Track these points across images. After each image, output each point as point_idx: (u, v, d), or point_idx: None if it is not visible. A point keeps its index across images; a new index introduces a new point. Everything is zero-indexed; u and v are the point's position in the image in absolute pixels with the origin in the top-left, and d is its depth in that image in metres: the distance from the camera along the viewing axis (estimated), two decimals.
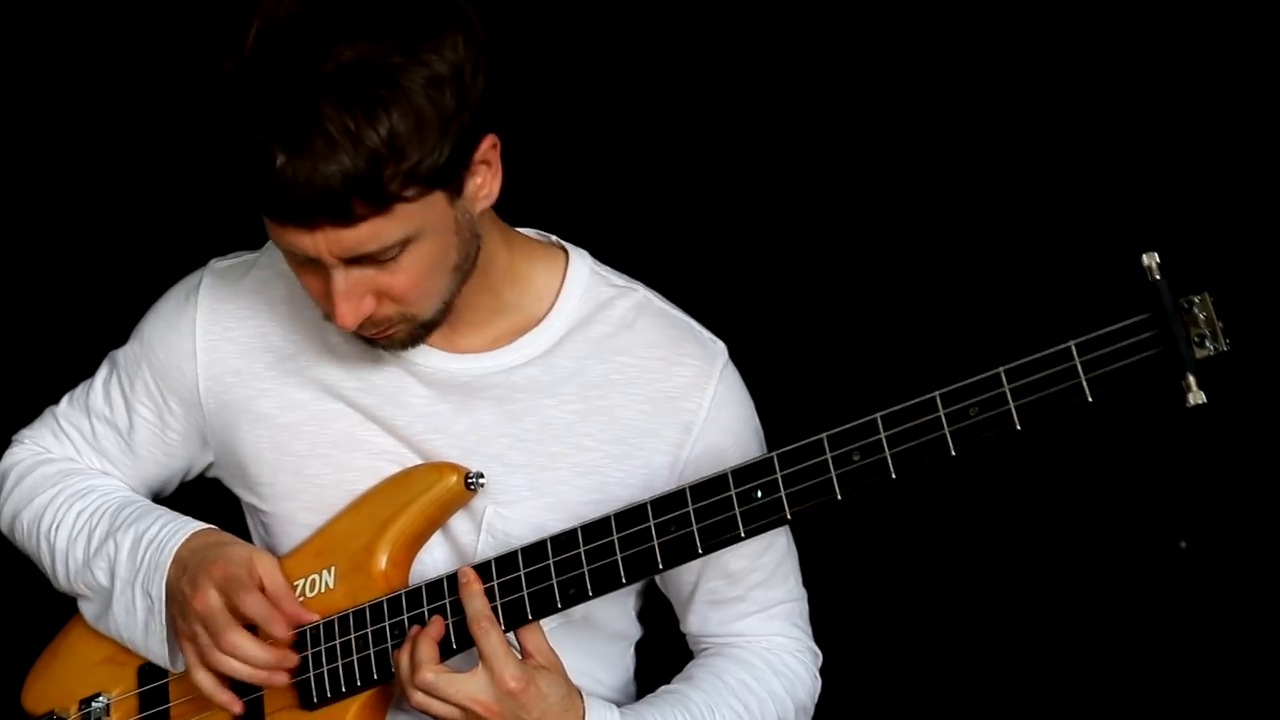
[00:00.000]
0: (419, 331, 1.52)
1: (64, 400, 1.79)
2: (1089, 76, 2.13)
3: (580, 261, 1.65)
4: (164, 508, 1.71)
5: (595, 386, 1.60)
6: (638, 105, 2.36)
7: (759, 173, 2.32)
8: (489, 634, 1.49)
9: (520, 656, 1.51)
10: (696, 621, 1.68)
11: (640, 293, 1.65)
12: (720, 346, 1.65)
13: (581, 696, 1.53)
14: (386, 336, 1.51)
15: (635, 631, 1.76)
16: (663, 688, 1.65)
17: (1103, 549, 2.11)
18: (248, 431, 1.66)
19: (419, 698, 1.50)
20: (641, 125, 2.36)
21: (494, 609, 1.51)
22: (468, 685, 1.48)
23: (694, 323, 1.66)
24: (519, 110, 1.50)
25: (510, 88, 1.50)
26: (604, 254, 1.68)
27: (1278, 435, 1.94)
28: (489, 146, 1.45)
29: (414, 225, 1.42)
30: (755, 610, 1.65)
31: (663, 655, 1.75)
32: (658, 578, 1.67)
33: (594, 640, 1.69)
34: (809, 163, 2.30)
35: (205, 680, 1.58)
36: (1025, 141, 2.17)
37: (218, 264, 1.71)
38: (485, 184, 1.47)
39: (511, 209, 1.59)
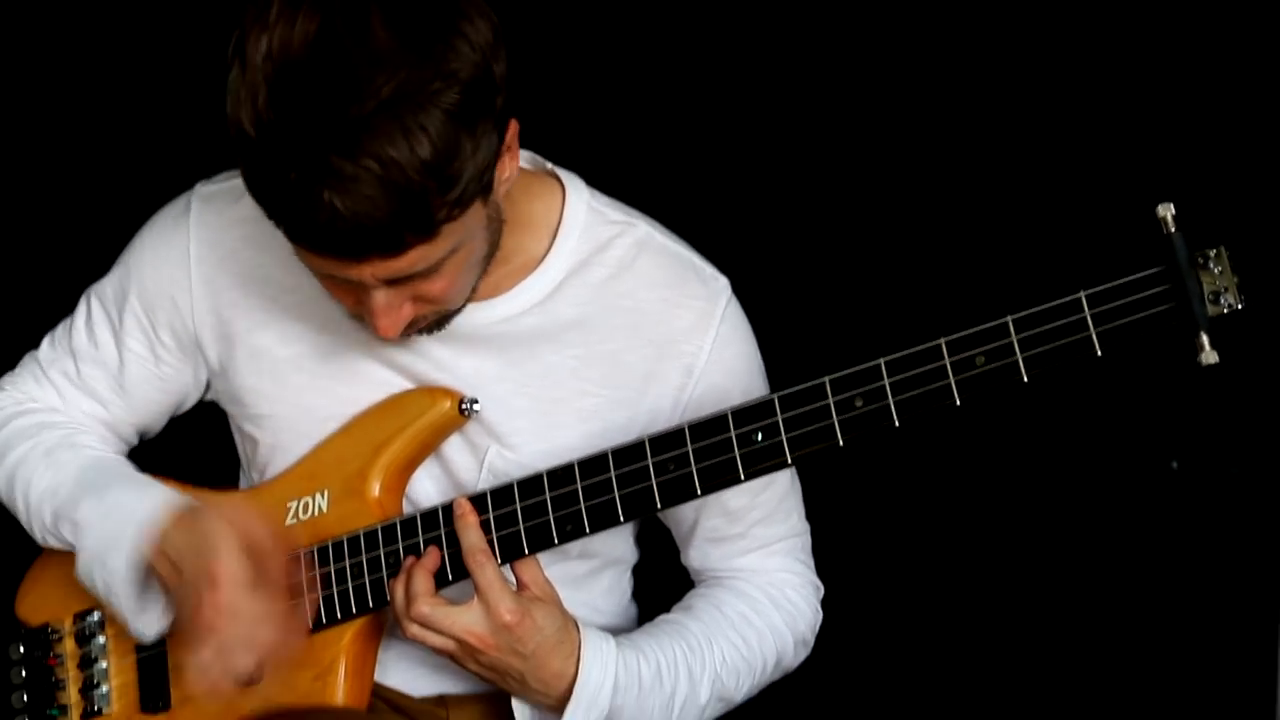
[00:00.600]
0: (445, 319, 1.51)
1: (44, 343, 1.74)
2: (1107, 24, 2.07)
3: (577, 196, 1.60)
4: (124, 468, 1.68)
5: (596, 331, 1.58)
6: (639, 23, 2.29)
7: (769, 101, 2.26)
8: (484, 567, 1.49)
9: (515, 589, 1.51)
10: (698, 557, 1.68)
11: (641, 227, 1.61)
12: (723, 282, 1.62)
13: (578, 628, 1.53)
14: (414, 330, 1.49)
15: (632, 556, 1.77)
16: (661, 617, 1.66)
17: (1095, 469, 2.12)
18: (246, 363, 1.63)
19: (414, 630, 1.51)
20: (645, 44, 2.29)
21: (490, 542, 1.51)
22: (463, 618, 1.49)
23: (696, 256, 1.63)
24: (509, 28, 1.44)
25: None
26: (603, 178, 1.63)
27: (1267, 357, 1.94)
28: (513, 135, 1.42)
29: (456, 239, 1.39)
30: (756, 547, 1.66)
31: (661, 577, 1.76)
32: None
33: (591, 566, 1.70)
34: (821, 91, 2.24)
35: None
36: (1042, 85, 2.12)
37: (205, 188, 1.66)
38: (507, 167, 1.44)
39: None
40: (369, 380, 1.61)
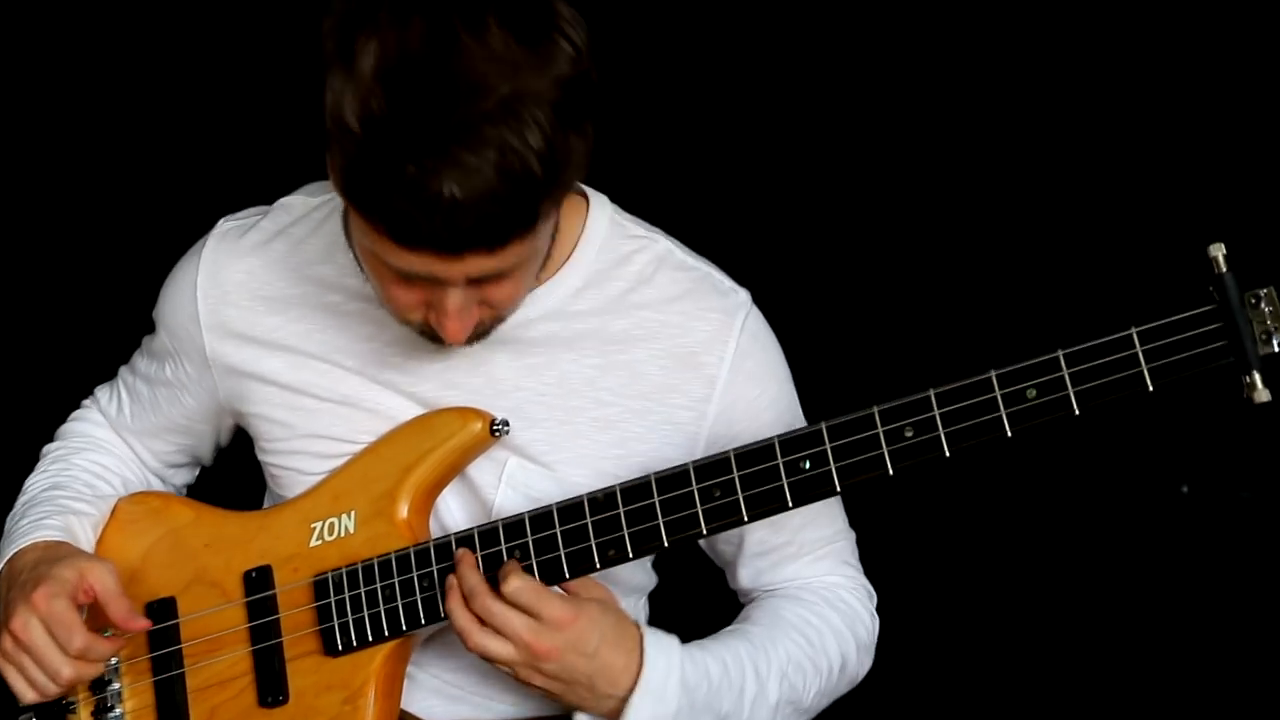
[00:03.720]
0: (495, 327, 1.55)
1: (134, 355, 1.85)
2: (1160, 59, 2.14)
3: (600, 210, 1.66)
4: (62, 504, 1.74)
5: (615, 341, 1.63)
6: (665, 46, 2.32)
7: (804, 123, 2.31)
8: (521, 591, 1.50)
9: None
10: (748, 575, 1.71)
11: (661, 244, 1.66)
12: (743, 296, 1.67)
13: (637, 625, 1.56)
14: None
15: (650, 582, 1.80)
16: (720, 631, 1.67)
17: (1106, 492, 2.18)
18: (256, 391, 1.68)
19: (476, 638, 1.51)
20: (670, 64, 2.32)
21: (529, 567, 1.55)
22: (522, 621, 1.50)
23: (715, 271, 1.68)
24: None
25: None
26: (633, 197, 1.68)
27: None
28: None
29: (543, 239, 1.45)
30: (805, 553, 1.69)
31: (678, 606, 1.80)
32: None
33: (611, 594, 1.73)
34: (862, 110, 2.29)
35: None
36: (1096, 122, 2.19)
37: (224, 224, 1.73)
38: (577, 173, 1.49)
39: None
40: (378, 408, 1.64)
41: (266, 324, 1.67)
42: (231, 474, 1.86)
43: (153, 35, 2.44)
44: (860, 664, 1.72)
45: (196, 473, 1.90)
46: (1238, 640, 2.11)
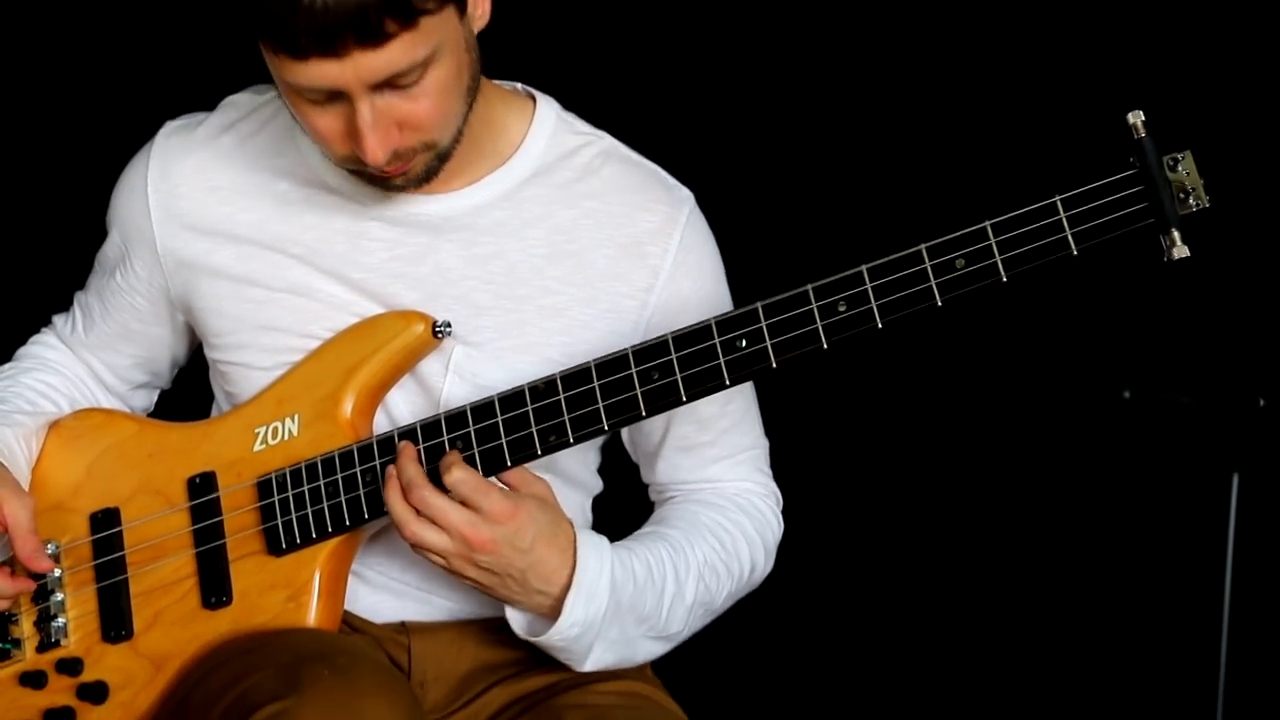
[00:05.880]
0: (435, 163, 1.58)
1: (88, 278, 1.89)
2: None
3: (548, 108, 1.72)
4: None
5: (562, 231, 1.68)
6: None
7: (739, 19, 2.36)
8: (463, 482, 1.53)
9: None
10: (666, 469, 1.77)
11: (607, 140, 1.73)
12: (686, 193, 1.73)
13: (570, 523, 1.60)
14: (404, 171, 1.57)
15: (596, 484, 1.85)
16: (637, 531, 1.74)
17: (1050, 398, 2.24)
18: (206, 285, 1.72)
19: (412, 528, 1.54)
20: None
21: (471, 456, 1.59)
22: (460, 513, 1.53)
23: (660, 170, 1.74)
24: None
25: None
26: (572, 105, 1.74)
27: (1225, 286, 2.08)
28: None
29: (435, 40, 1.48)
30: (725, 455, 1.75)
31: (619, 511, 1.84)
32: (624, 429, 1.75)
33: (558, 490, 1.73)
34: (792, 8, 2.34)
35: None
36: None
37: (170, 124, 1.77)
38: (480, 3, 1.55)
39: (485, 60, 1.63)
40: (325, 297, 1.68)
41: (216, 214, 1.71)
42: (187, 404, 1.89)
43: None
44: (765, 568, 1.79)
45: (155, 396, 1.92)
46: (1179, 546, 2.17)
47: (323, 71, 1.46)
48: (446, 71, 1.52)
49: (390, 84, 1.49)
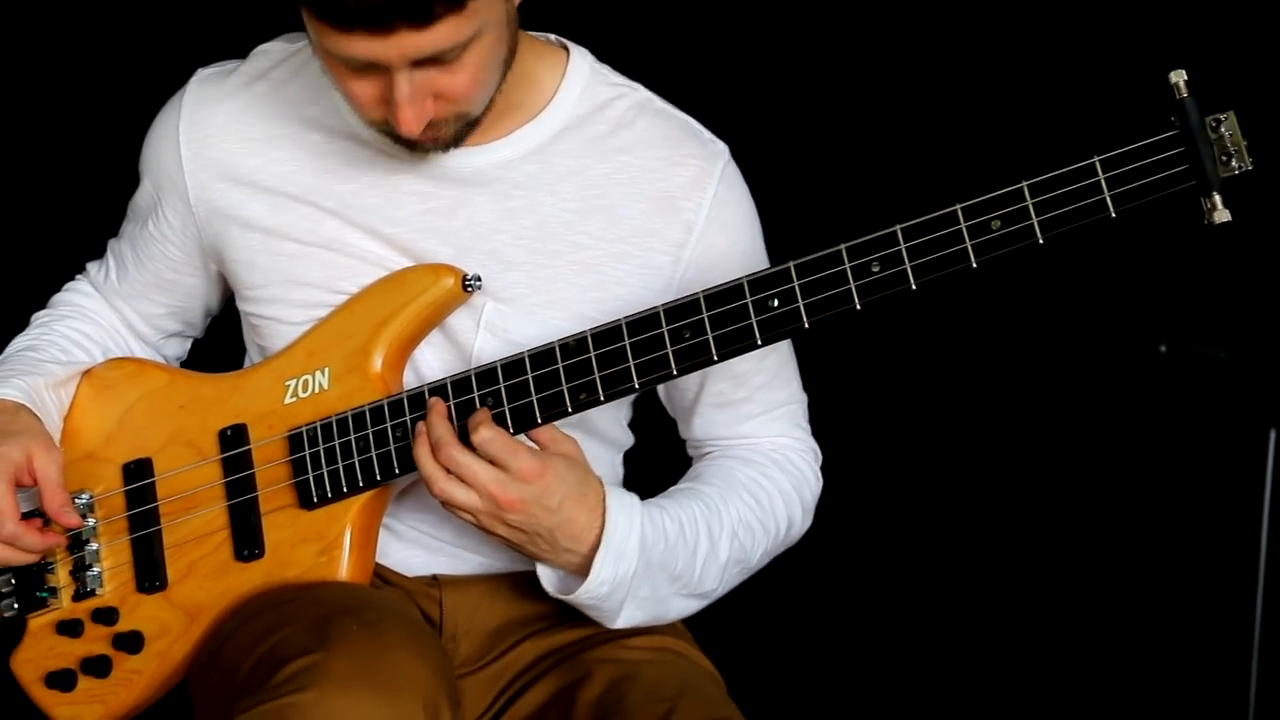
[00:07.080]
0: (464, 130, 1.58)
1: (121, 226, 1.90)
2: None
3: (581, 60, 1.71)
4: (31, 362, 1.78)
5: (594, 185, 1.68)
6: None
7: None
8: (491, 441, 1.54)
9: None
10: (702, 426, 1.77)
11: (642, 92, 1.72)
12: (721, 146, 1.72)
13: (600, 482, 1.60)
14: (435, 138, 1.57)
15: (627, 440, 1.86)
16: (672, 488, 1.74)
17: (1085, 353, 2.24)
18: (238, 236, 1.72)
19: (441, 484, 1.55)
20: None
21: (501, 414, 1.60)
22: (488, 471, 1.54)
23: (695, 123, 1.73)
24: None
25: None
26: (608, 57, 1.73)
27: (1262, 239, 2.06)
28: None
29: (481, 20, 1.47)
30: (761, 411, 1.75)
31: (651, 468, 1.85)
32: (660, 385, 1.75)
33: (588, 446, 1.75)
34: None
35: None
36: None
37: (202, 72, 1.77)
38: None
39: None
40: (357, 251, 1.69)
41: (249, 165, 1.71)
42: (218, 354, 1.91)
43: None
44: (804, 524, 1.79)
45: (189, 345, 1.94)
46: (1215, 500, 2.17)
47: (367, 46, 1.46)
48: (489, 47, 1.52)
49: (431, 60, 1.48)
